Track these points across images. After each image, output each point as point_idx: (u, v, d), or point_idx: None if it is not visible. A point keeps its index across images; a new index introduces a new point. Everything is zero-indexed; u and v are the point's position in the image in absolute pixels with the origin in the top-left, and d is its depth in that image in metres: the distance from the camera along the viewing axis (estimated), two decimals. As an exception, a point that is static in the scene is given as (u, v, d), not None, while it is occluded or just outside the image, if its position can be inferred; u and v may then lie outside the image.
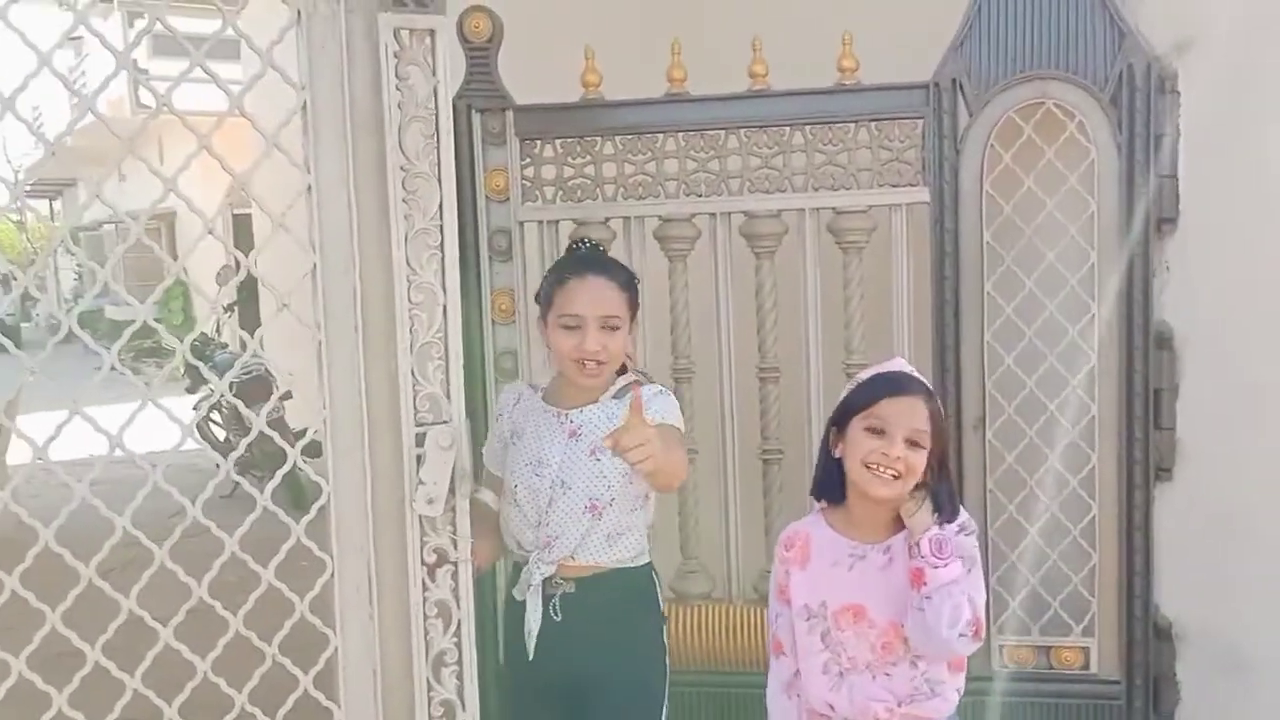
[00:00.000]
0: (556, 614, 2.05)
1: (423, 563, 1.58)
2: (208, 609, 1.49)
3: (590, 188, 2.69)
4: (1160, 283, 2.53)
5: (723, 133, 2.63)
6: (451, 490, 1.56)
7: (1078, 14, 2.48)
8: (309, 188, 1.47)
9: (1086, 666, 2.62)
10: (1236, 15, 2.37)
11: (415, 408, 1.55)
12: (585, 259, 2.15)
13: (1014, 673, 2.62)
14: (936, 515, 1.77)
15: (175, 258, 15.27)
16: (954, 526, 1.79)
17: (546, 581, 2.06)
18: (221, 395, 6.32)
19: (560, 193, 2.70)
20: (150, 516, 1.48)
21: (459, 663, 1.62)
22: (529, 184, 2.71)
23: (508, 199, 2.69)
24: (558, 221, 2.73)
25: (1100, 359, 2.53)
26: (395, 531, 1.57)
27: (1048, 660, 2.64)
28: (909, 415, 1.78)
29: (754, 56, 2.61)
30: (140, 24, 11.82)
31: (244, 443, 1.59)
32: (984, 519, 2.56)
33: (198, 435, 7.22)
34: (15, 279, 1.40)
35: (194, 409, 6.67)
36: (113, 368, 1.39)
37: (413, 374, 1.54)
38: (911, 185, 2.58)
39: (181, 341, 1.47)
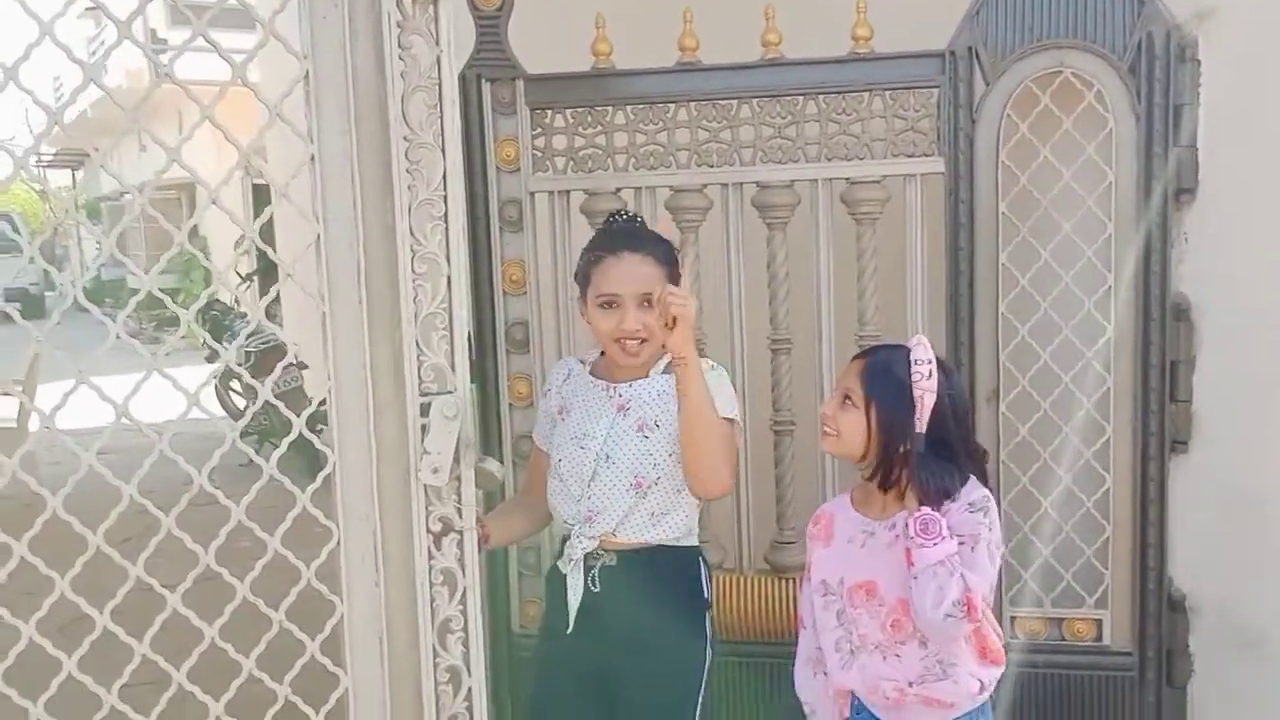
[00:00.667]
0: (595, 585, 2.06)
1: (428, 531, 1.58)
2: (220, 577, 1.51)
3: (601, 158, 2.68)
4: (1178, 254, 2.50)
5: (735, 102, 2.61)
6: (456, 460, 1.56)
7: (1096, -20, 2.44)
8: (311, 158, 1.47)
9: (1099, 639, 2.62)
10: (1259, -19, 2.32)
11: (420, 378, 1.55)
12: (620, 234, 2.12)
13: (1026, 644, 2.62)
14: (920, 492, 1.76)
15: (196, 228, 15.39)
16: (961, 504, 1.78)
17: (588, 555, 2.07)
18: (240, 363, 6.41)
19: (571, 163, 2.69)
20: (167, 485, 1.49)
21: (465, 630, 1.63)
22: (540, 154, 2.69)
23: (518, 169, 2.68)
24: (569, 192, 2.73)
25: (1116, 331, 2.51)
26: (401, 500, 1.57)
27: (1060, 632, 2.64)
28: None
29: (767, 25, 2.58)
30: (155, -6, 11.84)
31: (249, 411, 1.61)
32: (997, 491, 2.54)
33: (217, 403, 7.31)
34: (35, 248, 1.39)
35: (213, 377, 6.74)
36: (119, 336, 1.40)
37: (417, 344, 1.53)
38: (926, 155, 2.55)
39: (196, 311, 1.47)
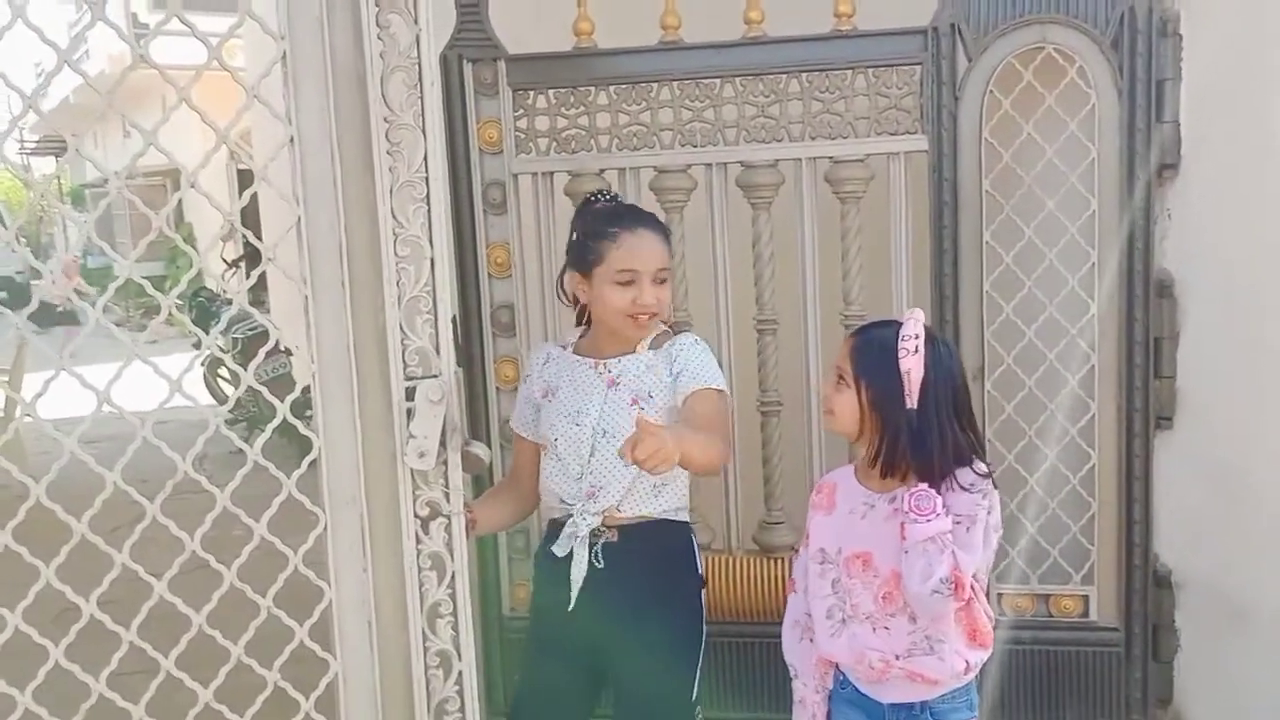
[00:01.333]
0: (599, 561, 2.06)
1: (415, 516, 1.58)
2: (210, 565, 1.51)
3: (584, 139, 2.66)
4: (1161, 230, 2.51)
5: (718, 81, 2.60)
6: (443, 444, 1.56)
7: (1078, -46, 2.43)
8: (291, 139, 1.46)
9: (1086, 614, 2.64)
10: (1241, -45, 2.32)
11: (404, 362, 1.54)
12: (633, 214, 2.16)
13: (1014, 621, 2.64)
14: (917, 468, 1.76)
15: (182, 214, 15.28)
16: (963, 484, 1.78)
17: (591, 532, 2.07)
18: (225, 349, 6.39)
19: (554, 144, 2.68)
20: (158, 473, 1.48)
21: (454, 614, 1.63)
22: (522, 136, 2.68)
23: (501, 151, 2.67)
24: (552, 174, 2.71)
25: (1101, 308, 2.51)
26: (388, 485, 1.56)
27: (1047, 608, 2.66)
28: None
29: (749, 2, 2.57)
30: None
31: (234, 396, 1.60)
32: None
33: (206, 390, 7.28)
34: (14, 235, 1.38)
35: (199, 364, 6.70)
36: (98, 322, 1.39)
37: (401, 328, 1.53)
38: (910, 133, 2.55)
39: (180, 299, 1.46)
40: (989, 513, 1.78)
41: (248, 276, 9.07)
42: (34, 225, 24.53)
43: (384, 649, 1.61)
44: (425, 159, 1.51)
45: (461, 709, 1.65)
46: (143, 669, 1.52)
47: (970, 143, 2.52)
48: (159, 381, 1.49)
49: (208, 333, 1.59)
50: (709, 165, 2.65)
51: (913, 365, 1.73)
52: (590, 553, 2.07)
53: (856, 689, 1.90)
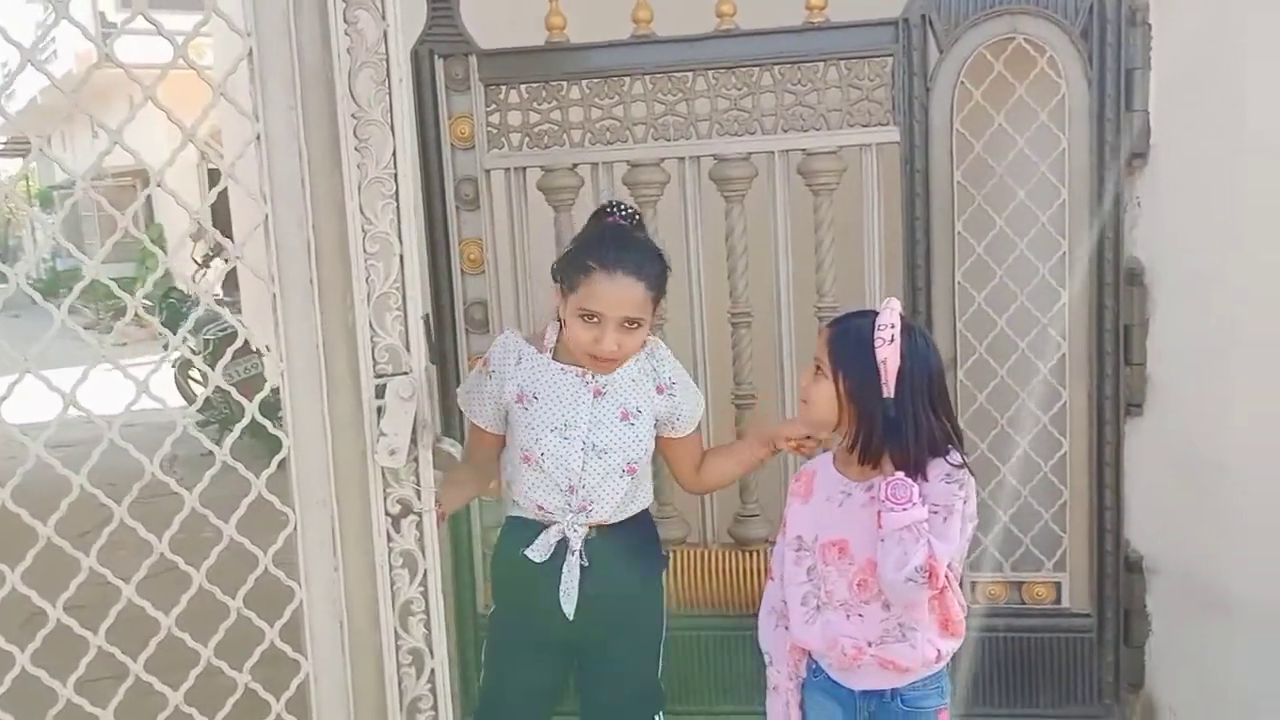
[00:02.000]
0: (585, 560, 2.07)
1: (386, 514, 1.57)
2: (179, 567, 1.49)
3: (557, 133, 2.65)
4: (1131, 219, 2.53)
5: (690, 74, 2.59)
6: (414, 441, 1.55)
7: (1047, -55, 2.44)
8: (257, 136, 1.44)
9: (1058, 601, 2.66)
10: (1207, -56, 2.33)
11: (374, 359, 1.53)
12: (618, 249, 1.98)
13: (987, 608, 2.66)
14: (894, 457, 1.77)
15: (152, 214, 15.13)
16: (940, 474, 1.79)
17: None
18: (196, 350, 6.34)
19: (527, 139, 2.66)
20: (126, 477, 1.47)
21: (426, 612, 1.62)
22: (494, 131, 2.67)
23: (473, 147, 2.65)
24: (525, 169, 2.70)
25: (1071, 296, 2.53)
26: (358, 483, 1.55)
27: (1020, 595, 2.68)
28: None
29: (720, -4, 2.57)
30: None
31: (202, 396, 1.59)
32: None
33: (177, 392, 7.22)
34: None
35: (169, 365, 6.65)
36: (63, 323, 1.37)
37: (370, 325, 1.52)
38: (882, 125, 2.56)
39: (150, 300, 1.45)
40: (965, 502, 1.79)
41: (218, 276, 8.98)
42: (1, 228, 24.24)
43: (355, 648, 1.60)
44: (394, 155, 1.50)
45: (434, 707, 1.64)
46: (112, 674, 1.50)
47: (942, 134, 2.52)
48: (130, 385, 1.48)
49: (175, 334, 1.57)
50: (682, 159, 2.65)
51: (889, 355, 1.73)
52: (578, 556, 2.07)
53: (829, 676, 1.91)
